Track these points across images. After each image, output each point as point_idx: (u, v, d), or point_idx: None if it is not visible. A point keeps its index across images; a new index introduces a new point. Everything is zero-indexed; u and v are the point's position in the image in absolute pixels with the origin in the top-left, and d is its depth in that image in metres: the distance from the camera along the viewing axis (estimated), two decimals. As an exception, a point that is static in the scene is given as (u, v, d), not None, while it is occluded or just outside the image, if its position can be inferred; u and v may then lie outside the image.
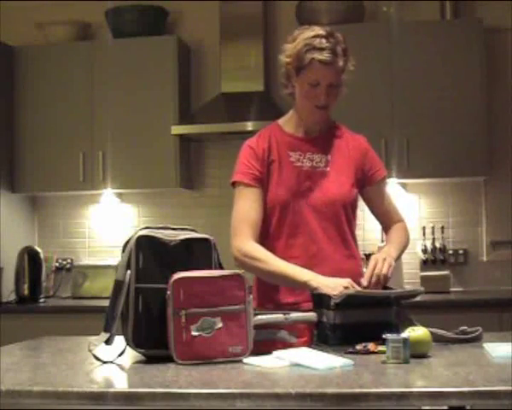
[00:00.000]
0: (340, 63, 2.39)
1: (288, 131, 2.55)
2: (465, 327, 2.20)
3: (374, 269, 2.29)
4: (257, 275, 2.47)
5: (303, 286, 2.30)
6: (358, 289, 2.23)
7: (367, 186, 2.55)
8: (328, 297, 2.15)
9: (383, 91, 4.39)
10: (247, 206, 2.45)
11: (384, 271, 2.29)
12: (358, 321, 2.12)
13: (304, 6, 4.54)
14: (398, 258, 2.49)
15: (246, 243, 2.41)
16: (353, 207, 2.54)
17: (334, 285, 2.22)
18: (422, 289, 2.31)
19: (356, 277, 2.33)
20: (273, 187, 2.47)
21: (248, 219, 2.43)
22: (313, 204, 2.46)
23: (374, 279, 2.28)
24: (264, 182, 2.47)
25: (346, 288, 2.20)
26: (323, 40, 2.37)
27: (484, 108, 4.34)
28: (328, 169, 2.49)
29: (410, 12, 4.63)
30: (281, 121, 2.60)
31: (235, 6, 4.64)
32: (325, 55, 2.36)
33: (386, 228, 2.62)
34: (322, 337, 2.15)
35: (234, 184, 2.51)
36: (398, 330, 2.06)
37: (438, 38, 4.40)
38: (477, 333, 2.19)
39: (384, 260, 2.32)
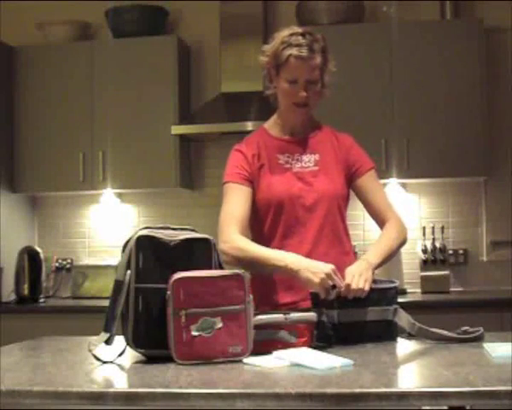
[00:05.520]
0: (318, 59, 2.40)
1: (274, 134, 2.55)
2: (467, 327, 2.20)
3: (350, 285, 2.17)
4: (243, 268, 2.37)
5: (284, 271, 2.26)
6: (337, 279, 2.18)
7: (354, 181, 2.53)
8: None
9: (383, 91, 4.39)
10: (233, 203, 2.44)
11: (360, 285, 2.17)
12: (359, 320, 2.13)
13: (304, 6, 4.54)
14: (384, 263, 2.41)
15: (231, 235, 2.39)
16: (345, 203, 2.55)
17: (315, 269, 2.17)
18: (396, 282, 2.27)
19: None
20: (265, 188, 2.47)
21: (235, 215, 2.42)
22: (306, 203, 2.46)
23: (351, 296, 2.17)
24: (253, 182, 2.47)
25: (328, 274, 2.15)
26: (300, 37, 2.39)
27: (484, 108, 4.34)
28: (317, 168, 2.50)
29: (410, 12, 4.63)
30: (266, 126, 2.60)
31: (235, 6, 4.64)
32: (301, 51, 2.38)
33: (379, 225, 2.56)
34: (322, 337, 2.15)
35: (224, 185, 2.50)
36: (396, 329, 2.08)
37: (438, 38, 4.40)
38: (478, 333, 2.18)
39: (360, 275, 2.20)
